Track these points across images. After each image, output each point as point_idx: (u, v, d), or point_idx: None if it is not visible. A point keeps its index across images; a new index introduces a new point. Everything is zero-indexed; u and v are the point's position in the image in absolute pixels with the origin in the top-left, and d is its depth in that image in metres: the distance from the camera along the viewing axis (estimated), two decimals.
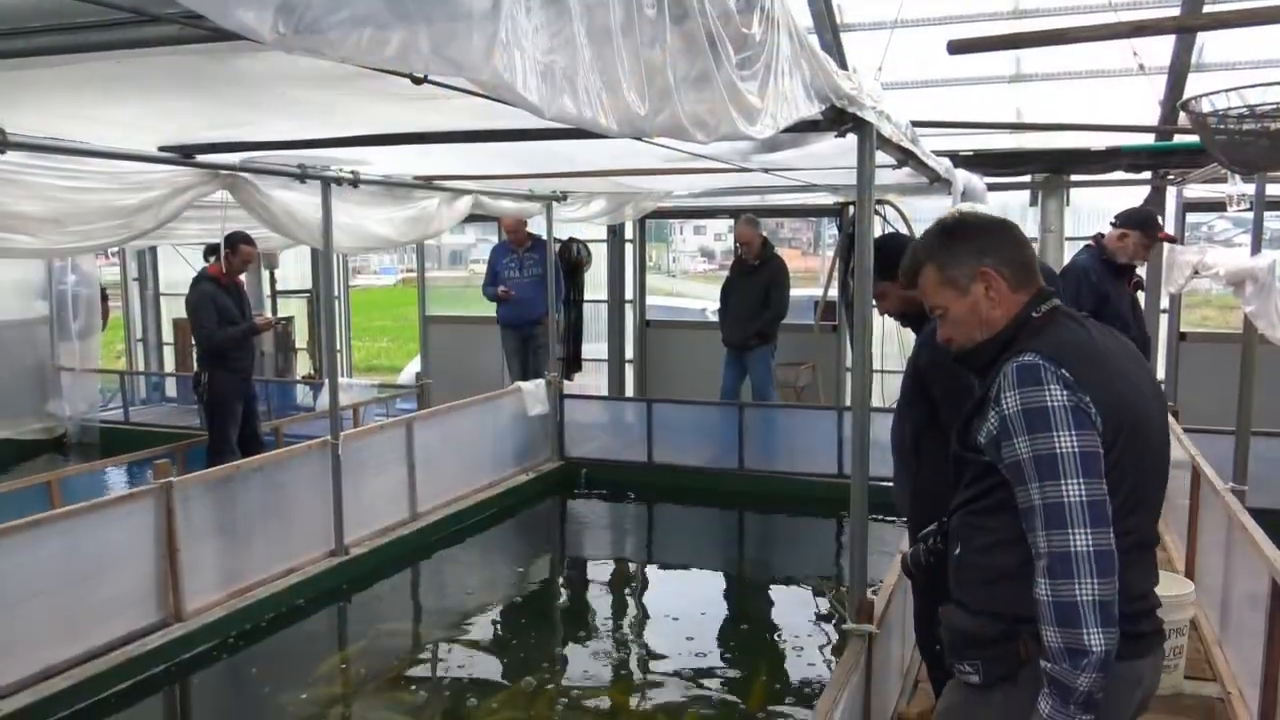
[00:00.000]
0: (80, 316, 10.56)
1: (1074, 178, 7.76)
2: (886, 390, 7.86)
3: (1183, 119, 4.56)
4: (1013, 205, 8.62)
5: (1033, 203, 8.15)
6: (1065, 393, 1.83)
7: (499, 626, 5.66)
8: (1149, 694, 2.04)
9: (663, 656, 5.06)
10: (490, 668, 5.06)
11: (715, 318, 9.19)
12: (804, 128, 2.84)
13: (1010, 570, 1.94)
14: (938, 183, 5.49)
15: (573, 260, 9.65)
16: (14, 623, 4.26)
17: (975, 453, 1.99)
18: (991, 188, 6.81)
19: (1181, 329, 8.67)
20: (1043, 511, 1.82)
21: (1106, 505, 1.81)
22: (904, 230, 7.23)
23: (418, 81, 1.86)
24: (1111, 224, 5.11)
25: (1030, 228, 8.24)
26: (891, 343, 7.56)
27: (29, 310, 10.43)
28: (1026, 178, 7.88)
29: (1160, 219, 5.71)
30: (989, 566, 2.00)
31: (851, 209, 8.46)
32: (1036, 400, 1.84)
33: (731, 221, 9.48)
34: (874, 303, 3.28)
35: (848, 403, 8.37)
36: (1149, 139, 7.14)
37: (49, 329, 10.51)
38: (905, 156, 4.08)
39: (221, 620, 5.16)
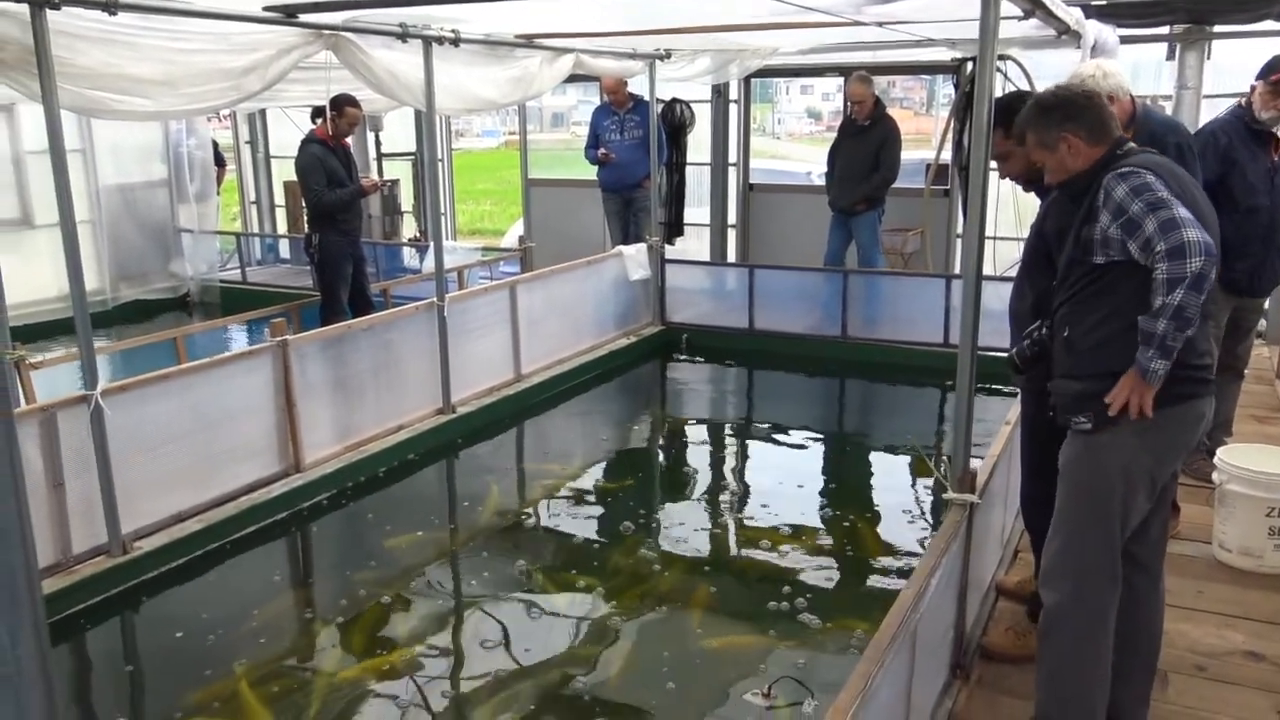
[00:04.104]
0: (197, 179, 10.88)
1: (1217, 29, 7.16)
2: (998, 258, 7.59)
3: None
4: (1146, 61, 8.05)
5: (1169, 57, 7.58)
6: (1154, 177, 2.54)
7: (601, 481, 5.82)
8: (1206, 427, 2.80)
9: (761, 514, 5.14)
10: (592, 518, 5.24)
11: (821, 181, 8.93)
12: None
13: (1116, 335, 2.59)
14: (1066, 35, 5.14)
15: (676, 122, 9.45)
16: (149, 470, 4.54)
17: (1089, 256, 2.62)
18: (1124, 40, 6.35)
19: None
20: (1158, 229, 2.44)
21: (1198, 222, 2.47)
22: (1026, 88, 6.82)
23: None
24: (1259, 77, 4.57)
25: (1165, 84, 7.70)
26: (1007, 208, 7.24)
27: (150, 173, 10.78)
28: (1164, 29, 7.30)
29: None
30: (1098, 336, 2.64)
31: (970, 65, 8.02)
32: (1138, 181, 2.53)
33: (840, 81, 9.11)
34: (994, 166, 3.12)
35: (956, 270, 8.14)
36: None
37: (169, 191, 10.87)
38: (1033, 6, 3.81)
39: (338, 471, 5.42)
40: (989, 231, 4.08)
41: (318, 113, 7.19)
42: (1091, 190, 2.63)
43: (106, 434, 4.21)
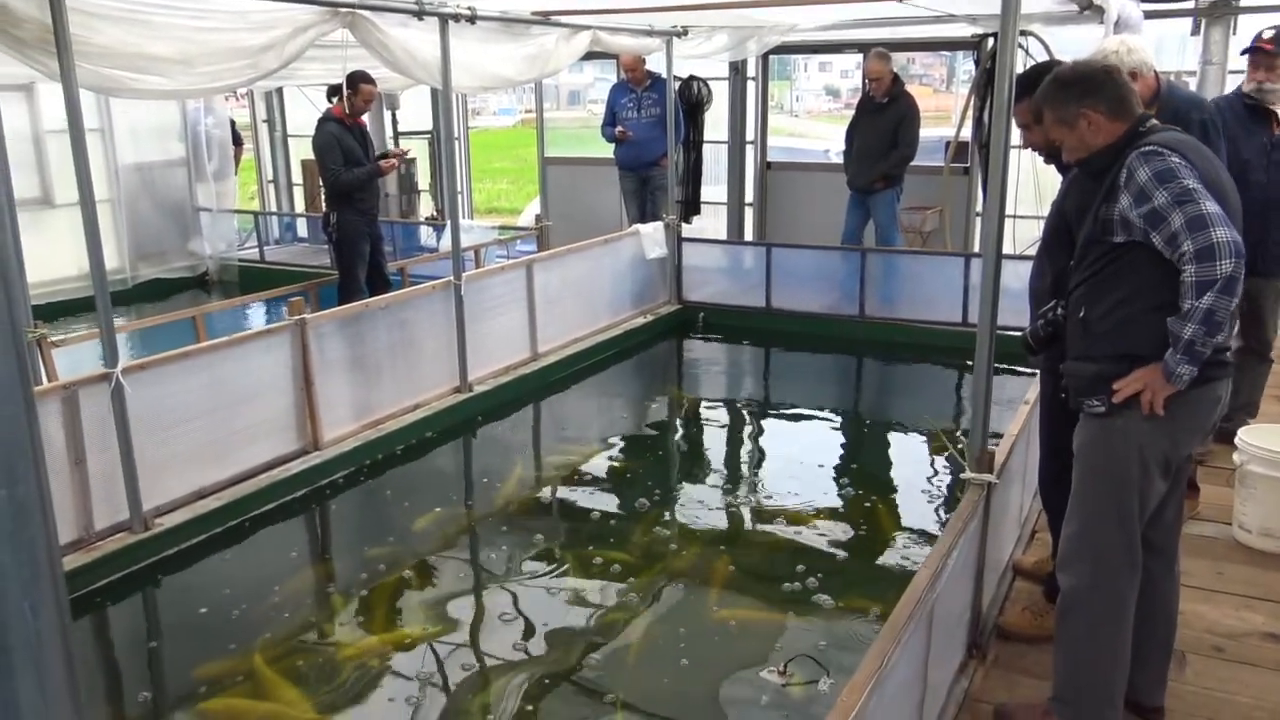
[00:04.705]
0: (215, 158, 10.91)
1: (1243, 3, 7.06)
2: (1018, 236, 7.53)
3: None
4: (1170, 36, 7.94)
5: (1194, 32, 7.48)
6: (1179, 159, 2.46)
7: (619, 459, 5.84)
8: (1222, 410, 2.75)
9: (778, 493, 5.14)
10: (609, 496, 5.25)
11: (839, 159, 8.87)
12: None
13: (1135, 316, 2.55)
14: (1089, 10, 5.08)
15: (693, 99, 9.39)
16: (169, 447, 4.58)
17: (1108, 235, 2.56)
18: (1149, 16, 6.27)
19: None
20: (1185, 227, 2.37)
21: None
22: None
23: None
24: (1243, 52, 4.47)
25: (1189, 60, 7.60)
26: (1027, 186, 7.18)
27: (169, 152, 10.81)
28: (1189, 3, 7.20)
29: None
30: (1117, 317, 2.58)
31: (991, 41, 7.94)
32: (1162, 165, 2.45)
33: (859, 58, 9.03)
34: (1017, 131, 3.10)
35: (975, 249, 8.08)
36: None
37: (187, 170, 10.90)
38: None
39: (356, 450, 5.44)
40: (1009, 210, 4.05)
41: (334, 91, 7.19)
42: (1114, 169, 2.56)
43: (127, 411, 4.25)
